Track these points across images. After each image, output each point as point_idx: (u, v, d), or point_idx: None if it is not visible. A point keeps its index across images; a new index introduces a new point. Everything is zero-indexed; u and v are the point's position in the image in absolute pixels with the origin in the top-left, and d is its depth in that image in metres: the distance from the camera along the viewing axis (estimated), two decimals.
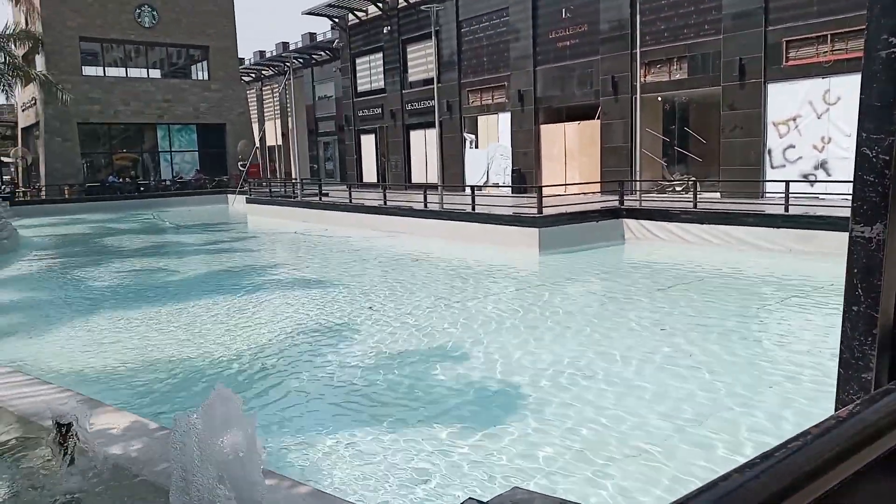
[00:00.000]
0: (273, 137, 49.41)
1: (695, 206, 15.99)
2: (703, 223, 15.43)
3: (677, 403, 6.69)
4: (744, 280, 12.88)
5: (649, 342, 8.86)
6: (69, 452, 3.82)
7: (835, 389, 2.21)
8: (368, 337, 9.48)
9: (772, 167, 18.84)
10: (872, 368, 2.13)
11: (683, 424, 6.19)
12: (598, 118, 23.83)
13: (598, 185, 21.25)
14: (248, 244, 22.00)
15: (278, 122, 48.58)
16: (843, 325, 2.17)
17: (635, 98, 20.37)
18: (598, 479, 5.25)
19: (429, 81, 28.38)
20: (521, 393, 7.12)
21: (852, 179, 2.06)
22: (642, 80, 21.76)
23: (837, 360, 2.07)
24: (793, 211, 14.37)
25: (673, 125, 24.01)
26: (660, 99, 22.95)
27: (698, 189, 17.15)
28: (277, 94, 47.04)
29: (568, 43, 24.91)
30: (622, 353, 8.39)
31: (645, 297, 11.82)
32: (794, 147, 18.30)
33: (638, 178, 19.30)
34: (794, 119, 18.25)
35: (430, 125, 26.91)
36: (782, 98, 18.43)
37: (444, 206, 19.45)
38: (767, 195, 17.55)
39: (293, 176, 32.17)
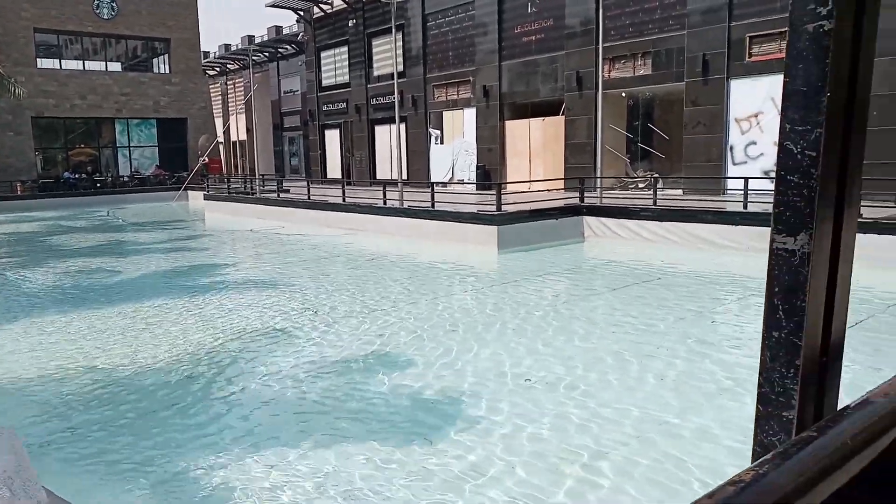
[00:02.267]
0: (238, 132, 48.52)
1: (655, 204, 15.82)
2: (662, 221, 15.26)
3: (632, 408, 6.42)
4: (702, 279, 12.72)
5: (604, 344, 8.60)
6: None
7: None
8: (309, 342, 9.03)
9: (733, 164, 18.79)
10: (795, 406, 1.81)
11: (643, 432, 5.92)
12: (562, 114, 23.63)
13: (561, 181, 21.05)
14: (199, 243, 21.29)
15: (243, 116, 47.71)
16: (762, 355, 1.85)
17: (599, 94, 20.18)
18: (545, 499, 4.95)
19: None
20: (470, 400, 6.77)
21: (774, 180, 1.74)
22: (606, 75, 21.59)
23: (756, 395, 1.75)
24: (752, 208, 14.27)
25: (637, 121, 23.92)
26: (624, 95, 22.81)
27: (661, 186, 17.00)
28: (242, 88, 46.17)
29: (533, 38, 24.66)
30: (576, 356, 8.12)
31: (601, 297, 11.59)
32: (755, 144, 18.27)
33: (600, 175, 19.12)
34: (756, 115, 18.20)
35: (395, 120, 26.51)
36: (745, 94, 18.38)
37: (405, 203, 19.06)
38: (729, 192, 17.46)
39: (258, 172, 31.48)
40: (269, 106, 45.06)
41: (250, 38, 46.62)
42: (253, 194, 28.30)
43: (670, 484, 5.10)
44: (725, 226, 14.02)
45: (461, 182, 26.81)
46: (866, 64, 1.71)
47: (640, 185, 21.50)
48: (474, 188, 25.38)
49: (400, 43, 29.22)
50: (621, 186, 21.81)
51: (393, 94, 22.97)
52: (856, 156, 1.74)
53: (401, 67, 28.73)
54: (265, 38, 44.68)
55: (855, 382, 5.78)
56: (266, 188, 29.28)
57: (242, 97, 47.00)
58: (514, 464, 5.43)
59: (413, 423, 6.35)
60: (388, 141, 31.04)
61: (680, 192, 19.24)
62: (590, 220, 16.87)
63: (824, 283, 1.74)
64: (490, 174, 25.69)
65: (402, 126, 27.87)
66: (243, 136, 47.54)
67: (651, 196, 16.21)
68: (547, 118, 24.36)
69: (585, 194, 17.57)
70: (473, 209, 16.97)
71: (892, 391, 1.59)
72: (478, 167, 26.35)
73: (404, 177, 26.40)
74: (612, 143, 22.76)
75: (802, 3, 1.64)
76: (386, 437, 5.97)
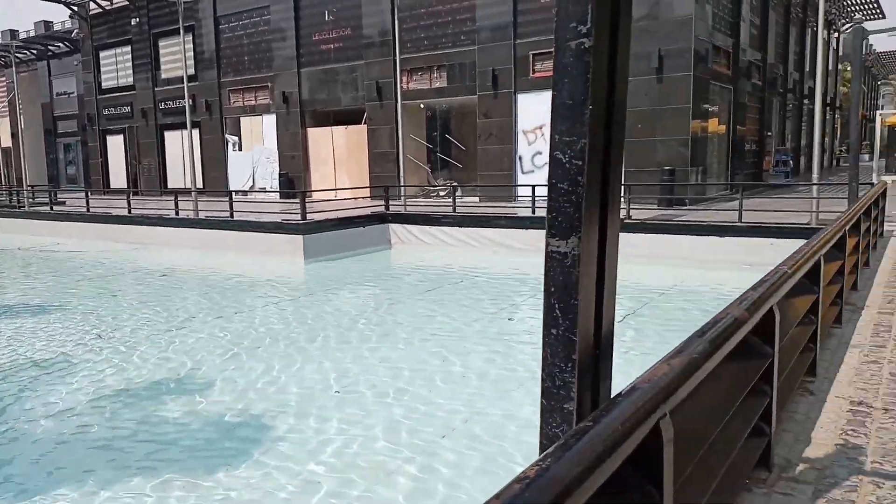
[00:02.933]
0: (1, 139, 42.64)
1: (454, 211, 16.47)
2: (462, 226, 15.94)
3: (460, 407, 6.58)
4: (500, 280, 13.47)
5: (412, 350, 8.75)
6: None
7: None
8: (92, 371, 8.15)
9: (522, 172, 20.15)
10: (574, 398, 1.95)
11: (444, 439, 6.06)
12: (364, 123, 23.77)
13: (367, 190, 21.16)
14: None
15: (6, 120, 42.04)
16: (543, 351, 1.96)
17: (398, 104, 20.59)
18: None
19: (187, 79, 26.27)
20: (271, 422, 6.51)
21: (547, 187, 1.85)
22: (405, 86, 22.09)
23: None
24: (539, 213, 15.40)
25: (436, 132, 24.76)
26: (422, 106, 23.50)
27: (460, 194, 17.74)
28: (5, 88, 40.69)
29: (332, 46, 24.53)
30: (400, 360, 8.19)
31: (415, 301, 11.81)
32: (541, 154, 19.73)
33: (403, 184, 19.51)
34: (541, 128, 19.66)
35: (189, 125, 24.87)
36: (530, 108, 19.77)
37: (201, 214, 17.97)
38: (519, 199, 18.69)
39: (25, 182, 27.84)
40: (40, 109, 40.20)
41: (13, 32, 41.27)
42: (21, 208, 25.02)
43: (503, 474, 5.32)
44: (517, 230, 14.98)
45: (263, 190, 25.89)
46: (622, 79, 1.89)
47: (441, 193, 22.28)
48: (278, 196, 24.63)
49: (190, 45, 27.56)
50: (424, 194, 22.43)
51: (184, 97, 21.58)
52: (616, 164, 1.91)
53: (192, 70, 27.12)
54: (32, 34, 39.80)
55: (635, 366, 6.44)
56: (37, 201, 26.03)
57: (5, 97, 41.47)
58: (351, 475, 5.33)
59: (234, 446, 5.98)
60: (181, 147, 29.09)
61: (477, 199, 20.22)
62: (395, 228, 17.13)
63: (594, 281, 1.90)
64: (294, 182, 25.10)
65: (196, 132, 26.34)
66: (7, 143, 41.90)
67: (451, 203, 16.85)
68: (350, 126, 24.36)
69: (390, 202, 17.83)
70: (277, 218, 16.45)
71: (654, 376, 1.76)
72: (281, 175, 25.63)
73: (199, 185, 24.95)
74: (413, 152, 23.33)
75: (566, 21, 1.77)
76: (200, 465, 5.55)
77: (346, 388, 7.33)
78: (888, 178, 20.14)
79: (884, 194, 10.33)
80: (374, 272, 14.95)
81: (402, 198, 18.65)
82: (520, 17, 19.86)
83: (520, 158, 20.32)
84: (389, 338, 9.40)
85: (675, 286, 11.95)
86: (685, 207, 16.59)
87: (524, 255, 14.85)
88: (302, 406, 6.86)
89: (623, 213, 13.61)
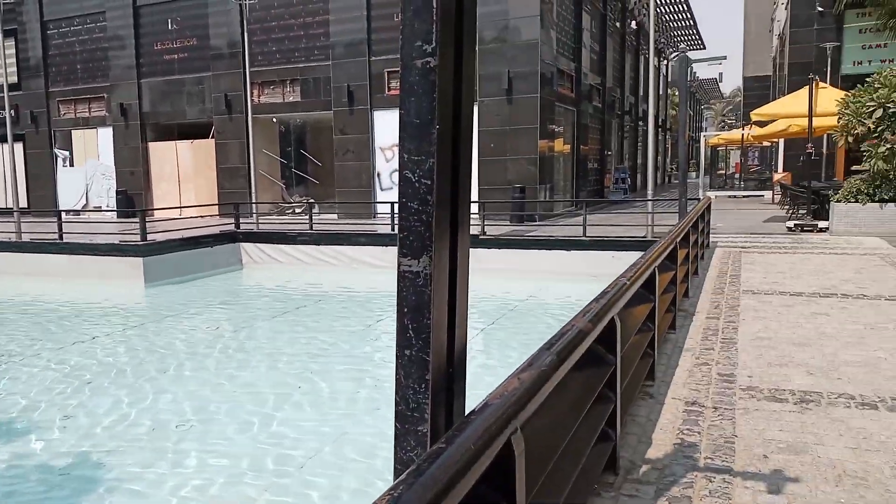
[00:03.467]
0: None
1: (311, 229, 16.14)
2: (320, 245, 15.64)
3: (325, 427, 6.33)
4: (360, 298, 13.33)
5: (275, 374, 8.40)
6: None
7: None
8: None
9: (381, 189, 20.19)
10: (428, 419, 1.93)
11: (338, 448, 5.84)
12: (212, 137, 22.75)
13: (216, 207, 20.20)
14: None
15: None
16: (396, 374, 1.93)
17: (249, 118, 19.92)
18: None
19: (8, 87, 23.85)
20: (121, 460, 5.96)
21: (398, 206, 1.83)
22: (256, 100, 21.43)
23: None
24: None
25: (290, 147, 24.22)
26: (275, 120, 22.91)
27: (317, 211, 17.42)
28: None
29: (177, 56, 23.31)
30: (250, 391, 7.78)
31: (270, 324, 11.36)
32: (398, 170, 19.89)
33: (256, 201, 18.85)
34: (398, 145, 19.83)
35: (10, 139, 22.52)
36: (387, 125, 19.88)
37: (24, 236, 16.29)
38: (379, 216, 18.68)
39: None
40: None
41: None
42: None
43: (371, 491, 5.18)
44: (377, 247, 14.93)
45: (98, 209, 23.98)
46: (468, 99, 1.91)
47: (297, 211, 21.77)
48: (115, 216, 22.89)
49: (13, 50, 25.09)
50: (278, 212, 21.81)
51: (4, 108, 19.55)
52: (464, 182, 1.93)
53: (14, 79, 24.66)
54: None
55: (498, 376, 6.58)
56: None
57: None
58: None
59: (80, 488, 5.37)
60: (0, 162, 26.33)
61: (335, 216, 19.97)
62: (247, 247, 16.48)
63: (446, 299, 1.90)
64: (134, 200, 23.45)
65: (19, 145, 24.02)
66: None
67: (308, 221, 16.50)
68: (196, 141, 23.20)
69: (241, 220, 17.12)
70: (114, 239, 15.24)
71: (505, 391, 1.78)
72: (118, 192, 23.83)
73: (23, 204, 22.71)
74: (266, 168, 22.65)
75: (411, 40, 1.76)
76: None
77: (204, 419, 6.89)
78: (712, 194, 22.30)
79: (709, 208, 11.38)
80: (226, 294, 14.26)
81: (255, 215, 18.00)
82: (374, 34, 19.97)
83: (378, 175, 20.35)
84: (249, 363, 8.98)
85: (529, 298, 12.43)
86: (535, 223, 17.36)
87: (385, 273, 14.81)
88: (156, 441, 6.35)
89: (477, 229, 14.00)
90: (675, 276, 5.61)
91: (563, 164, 21.42)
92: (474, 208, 16.09)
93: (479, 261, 12.73)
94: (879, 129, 11.85)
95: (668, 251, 5.30)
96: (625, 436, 3.47)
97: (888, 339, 5.31)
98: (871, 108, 11.83)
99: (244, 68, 20.12)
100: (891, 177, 12.58)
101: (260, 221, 17.60)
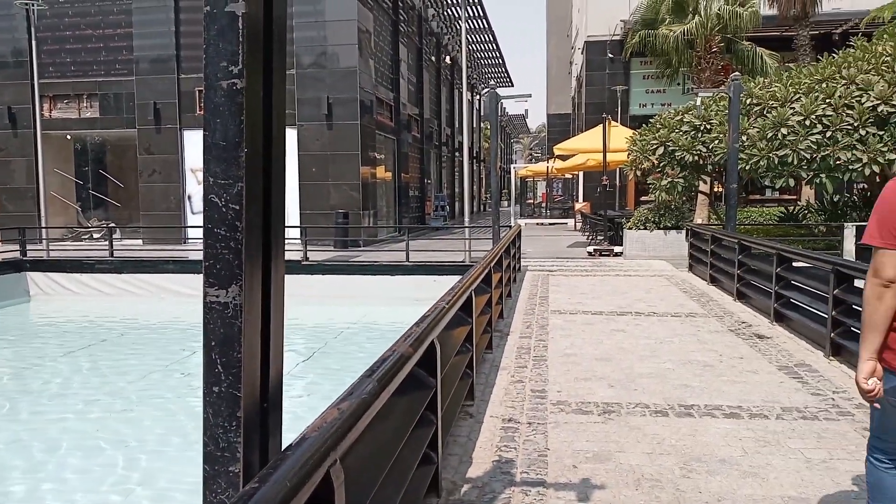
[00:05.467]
0: None
1: (112, 255, 14.78)
2: (122, 273, 14.35)
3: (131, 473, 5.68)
4: (166, 331, 12.38)
5: (68, 418, 7.49)
6: None
7: None
8: None
9: (192, 213, 19.05)
10: (240, 459, 1.81)
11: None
12: None
13: None
14: None
15: None
16: (204, 412, 1.79)
17: (38, 134, 17.95)
18: None
19: None
20: None
21: (203, 233, 1.71)
22: (47, 114, 19.39)
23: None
24: None
25: (87, 167, 22.11)
26: (69, 137, 20.84)
27: (118, 236, 15.99)
28: None
29: None
30: (39, 436, 6.86)
31: (56, 363, 10.15)
32: (203, 195, 18.91)
33: (45, 225, 16.94)
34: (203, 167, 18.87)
35: None
36: (199, 145, 18.83)
37: None
38: (190, 241, 17.59)
39: None
40: None
41: None
42: None
43: None
44: (188, 274, 13.98)
45: None
46: (280, 121, 1.85)
47: (95, 236, 19.87)
48: None
49: None
50: (73, 237, 19.76)
51: None
52: (278, 207, 1.85)
53: None
54: None
55: (312, 410, 6.38)
56: None
57: None
58: None
59: None
60: None
61: (140, 241, 18.50)
62: (35, 277, 14.70)
63: (259, 331, 1.80)
64: None
65: None
66: None
67: (107, 247, 15.10)
68: None
69: (28, 247, 15.26)
70: None
71: (324, 423, 1.71)
72: None
73: None
74: (59, 189, 20.50)
75: (216, 59, 1.67)
76: None
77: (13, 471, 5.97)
78: (522, 222, 23.73)
79: (519, 235, 12.08)
80: (9, 330, 12.58)
81: (45, 241, 16.13)
82: (183, 50, 18.97)
83: (189, 198, 19.20)
84: (37, 405, 7.95)
85: (355, 323, 12.32)
86: (360, 249, 17.35)
87: (197, 302, 13.93)
88: None
89: (300, 255, 13.67)
90: (490, 298, 5.86)
91: (385, 190, 21.68)
92: (294, 233, 15.71)
93: (302, 287, 12.42)
94: (662, 164, 13.35)
95: (483, 275, 5.52)
96: (447, 457, 3.52)
97: (674, 351, 5.93)
98: (655, 146, 13.30)
99: (32, 79, 18.14)
100: (672, 207, 14.21)
101: (51, 248, 15.79)
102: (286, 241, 2.00)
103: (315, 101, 17.93)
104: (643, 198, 18.68)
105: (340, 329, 11.95)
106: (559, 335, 6.60)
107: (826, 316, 5.72)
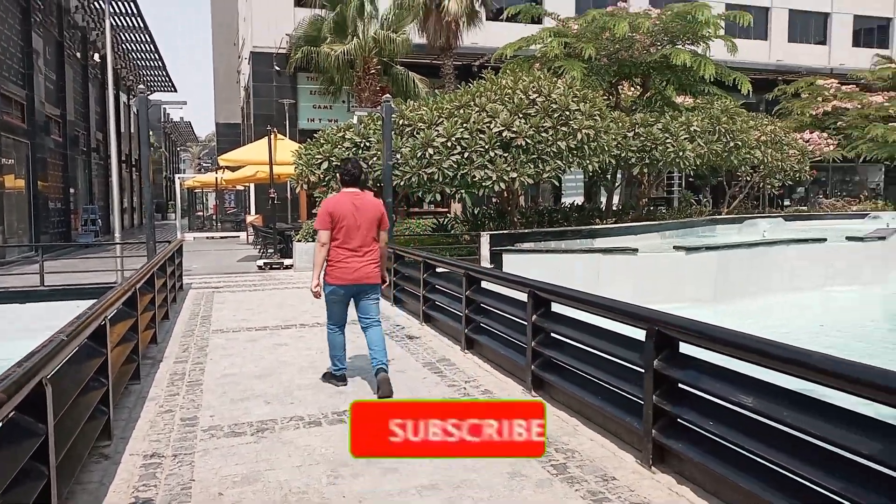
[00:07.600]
0: None
1: None
2: None
3: None
4: None
5: None
6: None
7: None
8: None
9: None
10: None
11: None
12: None
13: None
14: None
15: None
16: None
17: None
18: None
19: None
20: None
21: None
22: None
23: None
24: None
25: None
26: None
27: None
28: None
29: None
30: None
31: None
32: None
33: None
34: None
35: None
36: None
37: None
38: None
39: None
40: None
41: None
42: None
43: None
44: None
45: None
46: None
47: None
48: None
49: None
50: None
51: None
52: None
53: None
54: None
55: None
56: None
57: None
58: None
59: None
60: None
61: None
62: None
63: None
64: None
65: None
66: None
67: None
68: None
69: None
70: None
71: None
72: None
73: None
74: None
75: None
76: None
77: None
78: (190, 236, 22.39)
79: (180, 250, 11.34)
80: None
81: None
82: None
83: None
84: None
85: None
86: None
87: None
88: None
89: None
90: (136, 323, 5.37)
91: (16, 203, 18.56)
92: None
93: None
94: (327, 178, 13.75)
95: (125, 297, 5.05)
96: None
97: None
98: (320, 161, 13.66)
99: None
100: None
101: None
102: None
103: None
104: (314, 210, 19.03)
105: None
106: (219, 355, 6.34)
107: (461, 314, 6.46)
